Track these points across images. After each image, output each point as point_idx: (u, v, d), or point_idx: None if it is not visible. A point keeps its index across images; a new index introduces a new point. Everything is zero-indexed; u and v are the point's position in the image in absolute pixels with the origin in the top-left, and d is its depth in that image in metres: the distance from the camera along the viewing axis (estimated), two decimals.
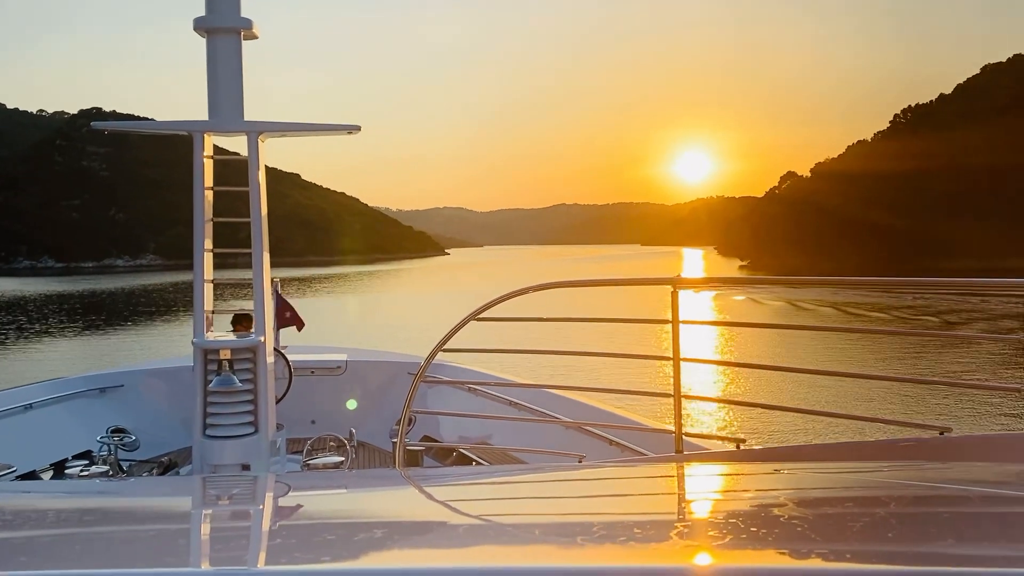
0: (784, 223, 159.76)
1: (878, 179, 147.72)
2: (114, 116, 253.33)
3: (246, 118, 6.52)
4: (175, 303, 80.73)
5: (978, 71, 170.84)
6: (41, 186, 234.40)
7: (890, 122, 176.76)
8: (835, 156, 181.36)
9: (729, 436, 5.38)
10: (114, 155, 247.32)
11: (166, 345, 42.85)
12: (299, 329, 8.54)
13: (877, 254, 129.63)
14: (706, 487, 2.28)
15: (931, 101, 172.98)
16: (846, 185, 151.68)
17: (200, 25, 6.39)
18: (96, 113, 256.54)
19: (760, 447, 5.44)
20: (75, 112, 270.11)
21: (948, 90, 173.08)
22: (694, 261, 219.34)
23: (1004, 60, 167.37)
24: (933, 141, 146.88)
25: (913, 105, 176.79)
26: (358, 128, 6.82)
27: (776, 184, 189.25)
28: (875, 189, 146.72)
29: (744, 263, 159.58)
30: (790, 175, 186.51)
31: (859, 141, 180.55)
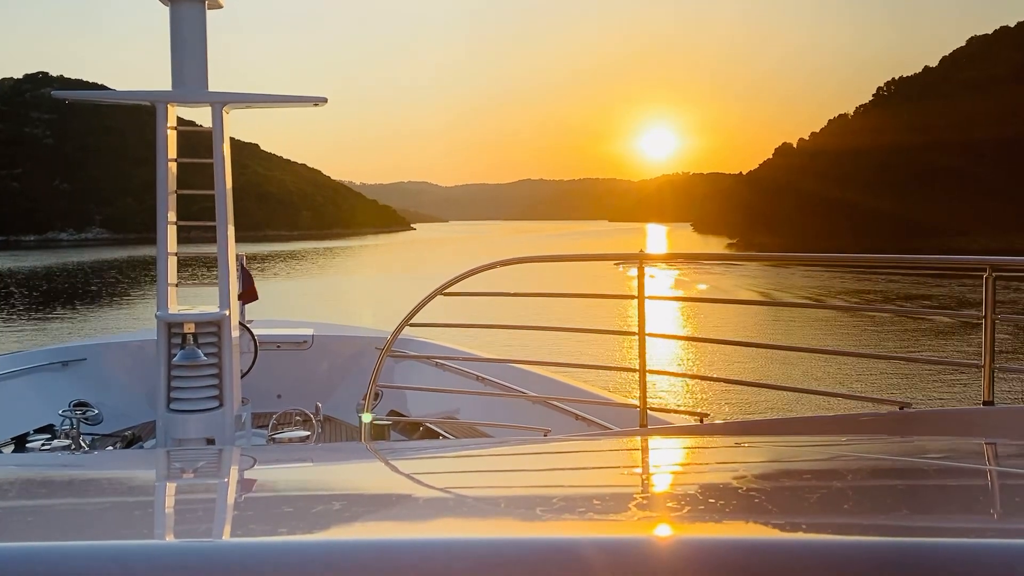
0: (773, 201, 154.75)
1: (867, 155, 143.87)
2: (61, 81, 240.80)
3: (210, 88, 6.43)
4: (129, 280, 77.95)
5: (964, 43, 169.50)
6: None
7: (873, 95, 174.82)
8: (816, 131, 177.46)
9: (693, 410, 5.46)
10: (59, 122, 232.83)
11: (123, 326, 41.79)
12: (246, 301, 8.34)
13: (873, 235, 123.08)
14: (669, 460, 2.31)
15: (915, 74, 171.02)
16: (834, 162, 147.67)
17: None
18: (42, 78, 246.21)
19: (723, 421, 5.53)
20: (20, 77, 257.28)
21: (933, 63, 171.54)
22: (672, 240, 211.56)
23: (990, 32, 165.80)
24: (917, 114, 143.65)
25: (897, 77, 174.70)
26: (324, 100, 6.76)
27: (769, 157, 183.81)
28: (863, 165, 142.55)
29: (732, 241, 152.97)
30: (785, 147, 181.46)
31: (840, 115, 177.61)
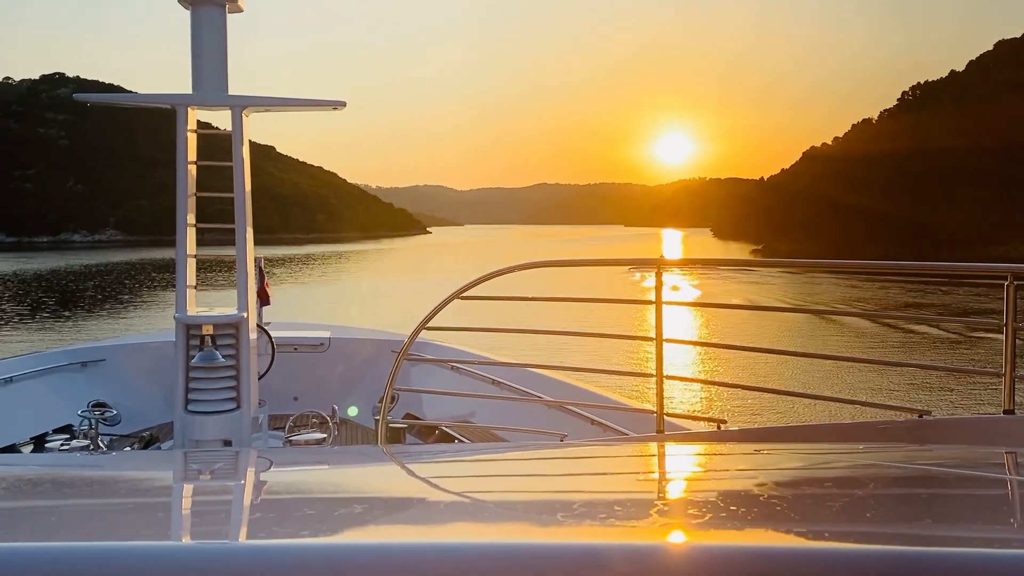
0: (796, 207, 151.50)
1: (895, 160, 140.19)
2: (77, 82, 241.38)
3: (230, 92, 6.47)
4: (145, 283, 77.63)
5: (991, 47, 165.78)
6: None
7: (898, 100, 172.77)
8: (839, 136, 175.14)
9: (710, 417, 5.44)
10: (74, 123, 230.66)
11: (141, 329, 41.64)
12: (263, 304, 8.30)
13: (902, 244, 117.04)
14: (687, 467, 2.30)
15: (941, 78, 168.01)
16: (861, 168, 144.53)
17: None
18: (58, 78, 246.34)
19: (741, 428, 5.51)
20: (37, 78, 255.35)
21: (959, 66, 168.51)
22: (693, 245, 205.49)
23: (1018, 35, 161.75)
24: (948, 118, 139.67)
25: (922, 82, 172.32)
26: (343, 104, 6.77)
27: (790, 163, 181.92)
28: (891, 172, 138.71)
29: (757, 247, 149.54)
30: (810, 152, 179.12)
31: (864, 120, 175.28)
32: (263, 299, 8.05)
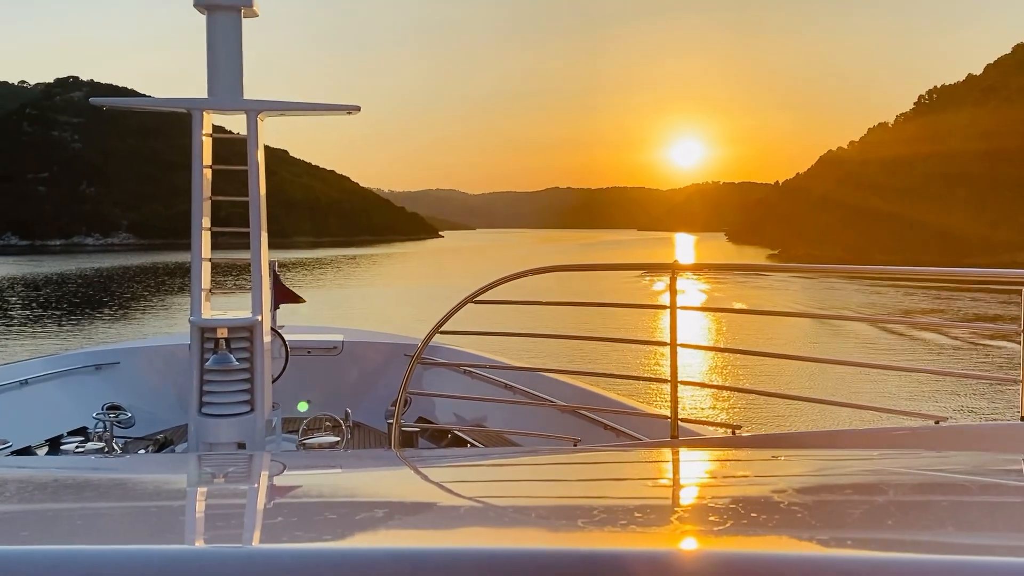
0: (812, 211, 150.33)
1: (913, 164, 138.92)
2: (91, 85, 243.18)
3: (245, 96, 6.49)
4: (158, 286, 77.78)
5: (1009, 51, 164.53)
6: (5, 157, 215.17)
7: (914, 104, 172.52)
8: (855, 140, 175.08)
9: (725, 422, 5.43)
10: (88, 126, 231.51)
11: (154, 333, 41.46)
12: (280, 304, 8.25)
13: (924, 250, 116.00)
14: (701, 472, 2.30)
15: (958, 82, 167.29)
16: (878, 172, 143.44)
17: (200, 2, 6.35)
18: (72, 82, 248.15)
19: (755, 434, 5.49)
20: (51, 81, 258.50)
21: (976, 71, 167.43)
22: (707, 250, 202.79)
23: None
24: (968, 121, 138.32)
25: (939, 85, 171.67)
26: (358, 108, 6.79)
27: (804, 167, 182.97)
28: (910, 176, 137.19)
29: (774, 252, 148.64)
30: (827, 156, 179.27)
31: (880, 124, 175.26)
32: (292, 299, 8.07)
